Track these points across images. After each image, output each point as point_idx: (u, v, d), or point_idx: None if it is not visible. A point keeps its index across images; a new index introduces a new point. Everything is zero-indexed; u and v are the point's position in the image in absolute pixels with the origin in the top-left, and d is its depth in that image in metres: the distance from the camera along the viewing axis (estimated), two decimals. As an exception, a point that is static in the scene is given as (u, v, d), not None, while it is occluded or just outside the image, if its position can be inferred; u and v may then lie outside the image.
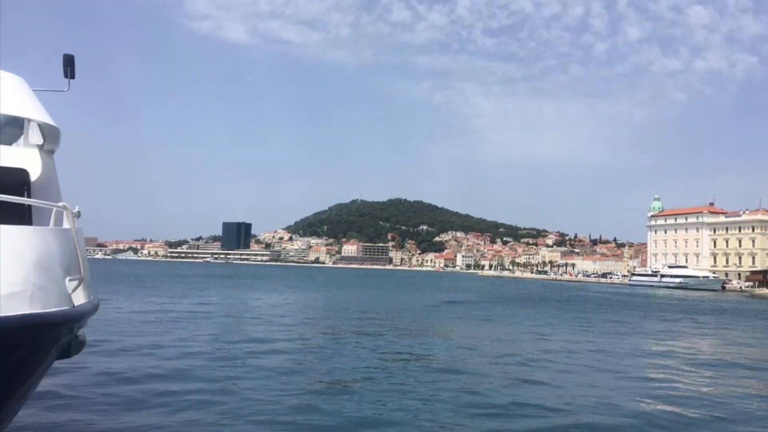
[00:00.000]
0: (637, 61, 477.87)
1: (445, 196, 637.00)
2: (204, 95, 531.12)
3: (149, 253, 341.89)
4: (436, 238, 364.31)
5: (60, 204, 6.99)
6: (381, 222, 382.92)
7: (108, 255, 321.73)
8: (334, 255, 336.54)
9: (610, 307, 49.59)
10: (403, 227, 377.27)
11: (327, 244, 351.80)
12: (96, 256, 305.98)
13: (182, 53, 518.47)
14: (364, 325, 27.27)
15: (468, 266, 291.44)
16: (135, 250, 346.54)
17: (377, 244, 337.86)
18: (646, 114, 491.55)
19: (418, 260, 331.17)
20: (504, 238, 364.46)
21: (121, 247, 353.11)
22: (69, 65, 9.41)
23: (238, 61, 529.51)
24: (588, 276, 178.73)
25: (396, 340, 22.09)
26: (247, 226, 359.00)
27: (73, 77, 9.50)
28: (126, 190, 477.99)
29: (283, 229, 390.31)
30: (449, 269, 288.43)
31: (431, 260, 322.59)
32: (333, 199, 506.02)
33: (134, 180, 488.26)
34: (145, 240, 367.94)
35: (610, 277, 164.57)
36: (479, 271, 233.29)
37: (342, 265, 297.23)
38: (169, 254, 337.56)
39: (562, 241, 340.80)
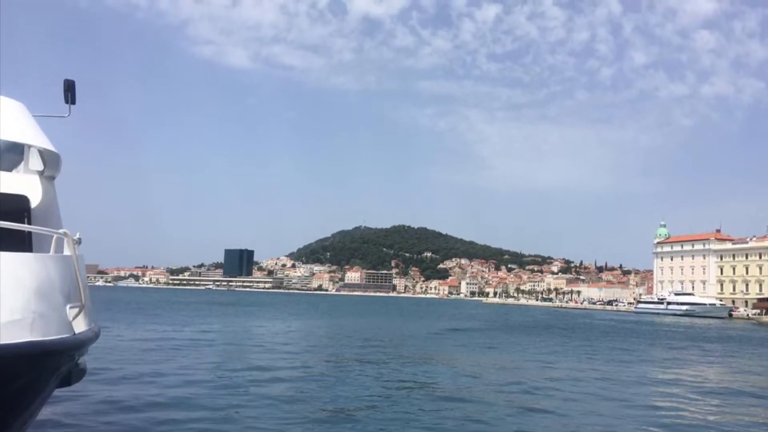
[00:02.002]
0: (643, 86, 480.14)
1: (449, 222, 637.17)
2: (206, 120, 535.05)
3: (150, 280, 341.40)
4: (440, 265, 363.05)
5: (61, 231, 7.03)
6: (384, 249, 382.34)
7: (109, 282, 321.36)
8: (337, 282, 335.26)
9: (615, 335, 49.12)
10: (407, 254, 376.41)
11: (330, 271, 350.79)
12: (97, 284, 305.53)
13: (183, 78, 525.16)
14: (367, 352, 27.13)
15: (472, 293, 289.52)
16: (136, 278, 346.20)
17: (381, 271, 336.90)
18: (652, 140, 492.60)
19: (422, 287, 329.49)
20: (509, 265, 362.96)
21: (122, 274, 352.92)
22: (70, 90, 9.48)
23: (240, 86, 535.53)
24: (593, 303, 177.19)
25: (400, 367, 21.97)
26: (250, 253, 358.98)
27: (73, 102, 9.56)
28: (127, 216, 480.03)
29: (286, 255, 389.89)
30: (453, 296, 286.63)
31: (435, 287, 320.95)
32: (336, 225, 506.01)
33: (135, 206, 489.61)
34: (147, 267, 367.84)
35: (616, 305, 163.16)
36: (483, 299, 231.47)
37: (345, 293, 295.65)
38: (170, 281, 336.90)
39: (567, 268, 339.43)
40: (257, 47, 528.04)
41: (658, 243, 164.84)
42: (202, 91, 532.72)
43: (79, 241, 7.57)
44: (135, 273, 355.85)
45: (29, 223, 7.75)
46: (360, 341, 33.23)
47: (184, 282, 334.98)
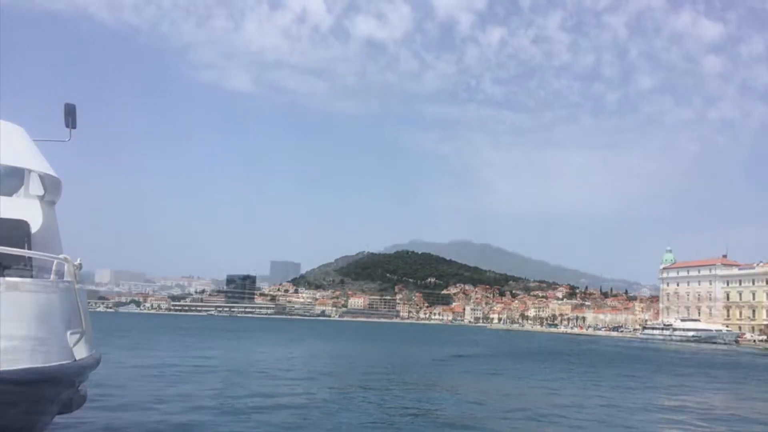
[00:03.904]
0: (649, 111, 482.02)
1: (452, 247, 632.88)
2: (206, 145, 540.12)
3: (152, 306, 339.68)
4: (444, 291, 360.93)
5: (61, 256, 7.08)
6: (388, 274, 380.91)
7: (110, 308, 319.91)
8: (340, 308, 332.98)
9: (620, 361, 48.57)
10: (411, 279, 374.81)
11: (333, 297, 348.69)
12: (98, 309, 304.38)
13: (185, 101, 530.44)
14: (370, 379, 26.96)
15: (476, 319, 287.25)
16: (137, 303, 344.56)
17: (384, 297, 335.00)
18: (658, 165, 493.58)
19: (425, 313, 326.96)
20: (513, 291, 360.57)
21: (123, 299, 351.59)
22: (70, 115, 9.46)
23: (241, 110, 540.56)
24: (599, 329, 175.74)
25: (403, 394, 21.84)
26: (252, 279, 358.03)
27: (74, 127, 9.52)
28: (127, 241, 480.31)
29: (288, 281, 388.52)
30: (457, 322, 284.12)
31: (439, 313, 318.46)
32: (339, 251, 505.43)
33: (137, 230, 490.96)
34: (148, 293, 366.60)
35: (622, 331, 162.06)
36: (488, 325, 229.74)
37: (348, 319, 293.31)
38: (172, 307, 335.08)
39: (572, 293, 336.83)
40: (259, 71, 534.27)
41: (664, 268, 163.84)
42: (203, 115, 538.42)
43: (79, 267, 7.56)
44: (136, 299, 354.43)
45: (29, 248, 7.75)
46: (363, 367, 33.03)
47: (186, 308, 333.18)
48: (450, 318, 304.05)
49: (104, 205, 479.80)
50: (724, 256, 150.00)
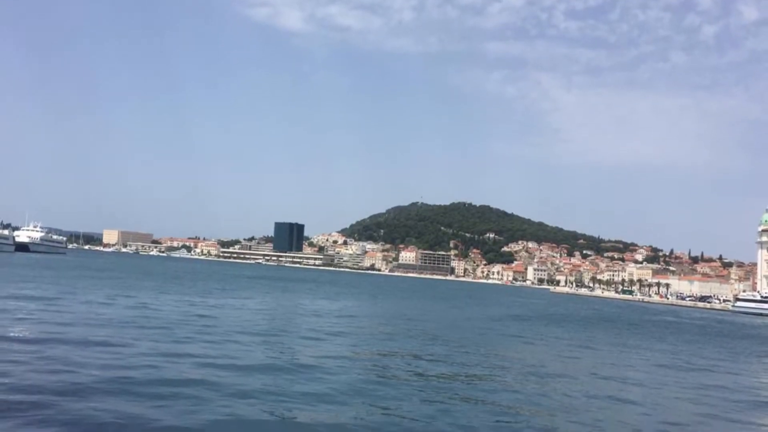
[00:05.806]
0: (753, 46, 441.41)
1: (516, 201, 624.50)
2: (257, 88, 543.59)
3: (202, 251, 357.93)
4: (505, 248, 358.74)
5: None
6: (443, 228, 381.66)
7: (162, 252, 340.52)
8: (390, 262, 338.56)
9: (689, 334, 47.46)
10: (468, 234, 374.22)
11: (383, 250, 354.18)
12: (151, 253, 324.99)
13: (236, 41, 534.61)
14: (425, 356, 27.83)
15: (540, 281, 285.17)
16: (188, 249, 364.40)
17: (438, 252, 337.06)
18: (763, 110, 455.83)
19: (483, 272, 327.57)
20: (584, 251, 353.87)
21: (175, 244, 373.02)
22: None
23: (293, 50, 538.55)
24: (683, 299, 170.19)
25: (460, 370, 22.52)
26: (300, 227, 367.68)
27: None
28: (180, 187, 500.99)
29: (338, 231, 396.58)
30: (518, 283, 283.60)
31: (498, 272, 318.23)
32: (391, 201, 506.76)
33: (188, 176, 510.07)
34: (199, 238, 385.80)
35: (710, 302, 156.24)
36: (552, 287, 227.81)
37: (399, 274, 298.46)
38: (221, 254, 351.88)
39: (654, 257, 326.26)
40: (312, 7, 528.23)
41: (762, 230, 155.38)
42: (254, 55, 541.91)
43: None
44: (187, 244, 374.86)
45: None
46: (422, 336, 33.96)
47: (234, 255, 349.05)
48: (510, 278, 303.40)
49: (153, 153, 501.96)
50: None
